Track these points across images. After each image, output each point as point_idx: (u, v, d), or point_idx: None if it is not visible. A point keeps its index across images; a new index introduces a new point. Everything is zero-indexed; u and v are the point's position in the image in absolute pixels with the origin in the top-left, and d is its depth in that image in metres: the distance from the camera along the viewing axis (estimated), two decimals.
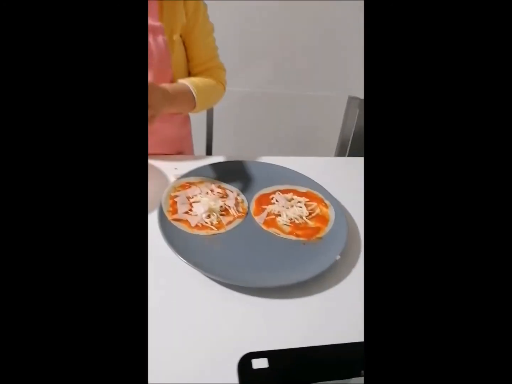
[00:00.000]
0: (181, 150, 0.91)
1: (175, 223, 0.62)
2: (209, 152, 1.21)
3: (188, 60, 0.82)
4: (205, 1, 0.80)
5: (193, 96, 0.75)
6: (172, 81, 0.78)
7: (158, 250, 0.56)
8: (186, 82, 0.76)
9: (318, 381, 0.41)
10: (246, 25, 1.49)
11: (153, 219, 0.62)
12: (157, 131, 0.77)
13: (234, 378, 0.41)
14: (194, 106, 0.77)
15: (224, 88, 0.87)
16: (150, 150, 0.77)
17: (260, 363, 0.41)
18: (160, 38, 0.73)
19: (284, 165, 0.78)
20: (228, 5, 1.41)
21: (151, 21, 0.72)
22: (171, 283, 0.53)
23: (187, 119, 0.94)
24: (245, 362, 0.41)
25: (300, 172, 0.77)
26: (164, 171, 0.76)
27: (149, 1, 0.71)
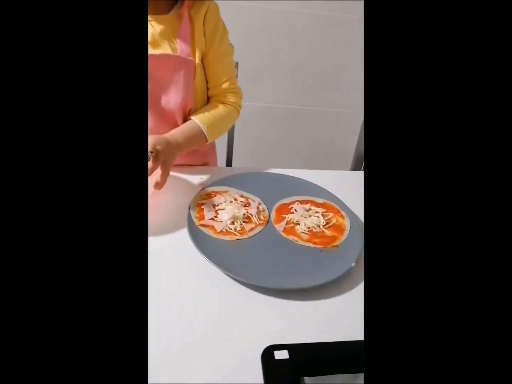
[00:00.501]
0: (206, 162, 0.97)
1: (202, 228, 0.67)
2: (229, 163, 1.27)
3: (206, 81, 0.88)
4: (226, 13, 0.84)
5: (204, 135, 0.82)
6: (192, 108, 0.84)
7: (186, 252, 0.62)
8: (198, 121, 0.81)
9: (333, 374, 0.45)
10: (266, 41, 1.56)
11: (182, 223, 0.67)
12: None
13: (258, 367, 0.46)
14: (206, 141, 0.83)
15: (238, 112, 0.91)
16: (178, 162, 0.83)
17: (281, 355, 0.46)
18: (191, 72, 0.80)
19: (302, 177, 0.84)
20: (248, 21, 1.49)
21: (185, 55, 0.78)
22: (196, 282, 0.58)
23: None
24: (268, 353, 0.46)
25: (317, 184, 0.82)
26: (191, 180, 0.82)
27: (182, 36, 0.78)
